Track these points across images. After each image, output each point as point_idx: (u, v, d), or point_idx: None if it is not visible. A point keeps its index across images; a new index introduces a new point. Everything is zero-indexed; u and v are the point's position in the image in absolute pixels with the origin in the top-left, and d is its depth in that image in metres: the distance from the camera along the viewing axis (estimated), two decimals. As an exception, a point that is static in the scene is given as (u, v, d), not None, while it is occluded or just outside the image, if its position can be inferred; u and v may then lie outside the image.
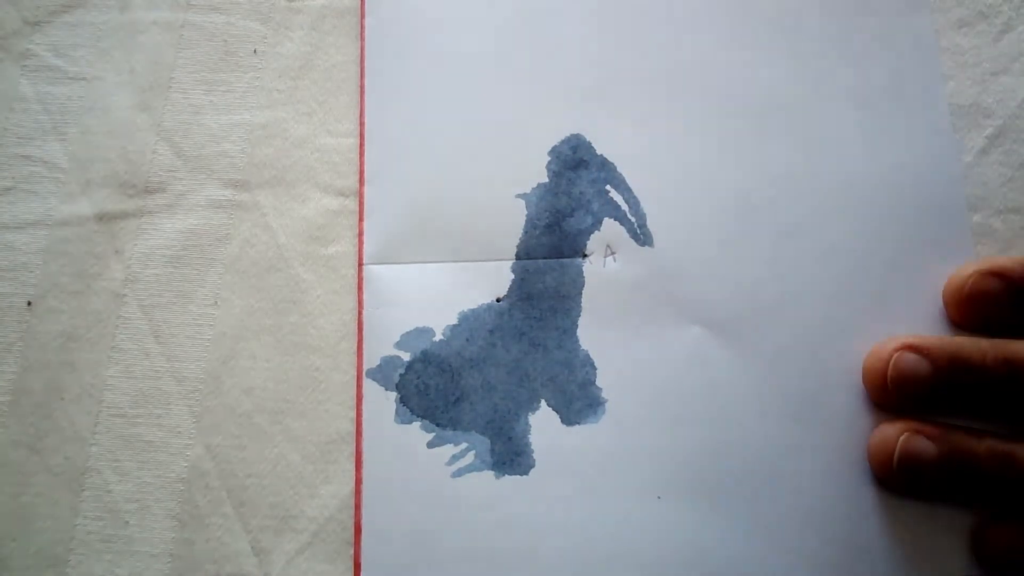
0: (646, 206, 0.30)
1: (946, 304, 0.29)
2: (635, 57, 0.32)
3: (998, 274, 0.28)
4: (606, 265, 0.30)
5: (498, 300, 0.29)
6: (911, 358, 0.27)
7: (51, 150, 0.33)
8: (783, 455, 0.28)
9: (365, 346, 0.29)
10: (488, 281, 0.30)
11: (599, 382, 0.29)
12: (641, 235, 0.30)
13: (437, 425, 0.29)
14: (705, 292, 0.29)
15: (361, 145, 0.31)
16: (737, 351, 0.29)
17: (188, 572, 0.28)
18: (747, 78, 0.31)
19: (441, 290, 0.29)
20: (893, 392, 0.28)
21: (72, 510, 0.29)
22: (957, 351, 0.27)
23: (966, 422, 0.28)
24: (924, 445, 0.27)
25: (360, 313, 0.30)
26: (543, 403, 0.29)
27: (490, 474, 0.28)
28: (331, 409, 0.29)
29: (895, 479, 0.28)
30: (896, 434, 0.27)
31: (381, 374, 0.29)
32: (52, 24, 0.34)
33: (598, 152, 0.30)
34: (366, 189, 0.31)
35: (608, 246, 0.30)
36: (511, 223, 0.30)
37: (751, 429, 0.28)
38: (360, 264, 0.30)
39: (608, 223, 0.30)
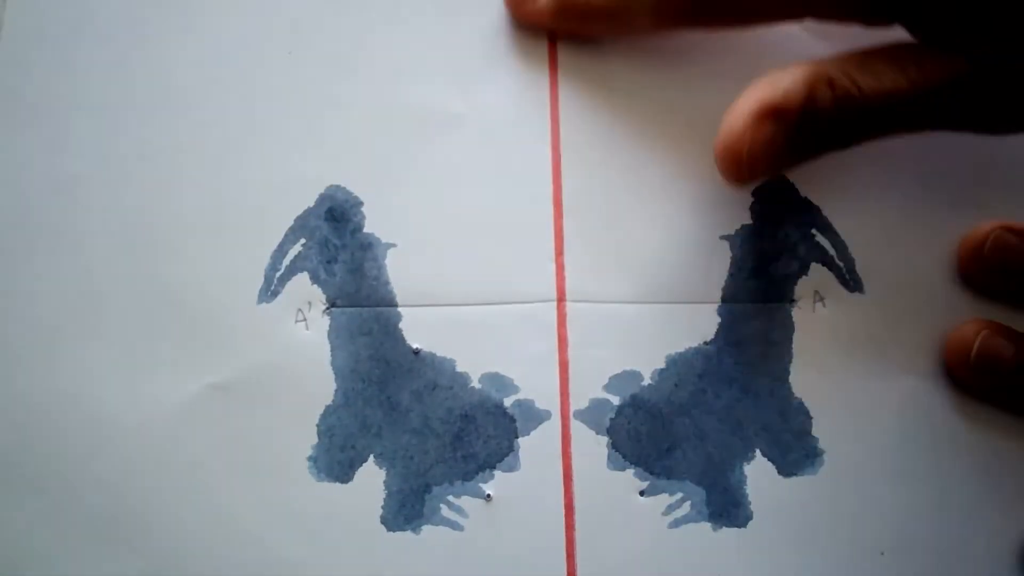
0: (854, 251, 0.29)
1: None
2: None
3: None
4: (816, 311, 0.29)
5: (705, 344, 0.28)
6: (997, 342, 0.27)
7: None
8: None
9: (572, 386, 0.28)
10: (693, 324, 0.28)
11: (815, 431, 0.28)
12: (851, 280, 0.29)
13: (650, 473, 0.27)
14: (920, 340, 0.28)
15: (556, 172, 0.29)
16: (957, 402, 0.28)
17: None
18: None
19: (646, 331, 0.28)
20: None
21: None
22: None
23: None
24: (1003, 344, 0.27)
25: (562, 351, 0.28)
26: (758, 452, 0.28)
27: (707, 525, 0.27)
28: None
29: (971, 376, 0.27)
30: (975, 332, 0.27)
31: (590, 416, 0.28)
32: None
33: (801, 194, 0.29)
34: (564, 222, 0.29)
35: (816, 292, 0.29)
36: (716, 265, 0.29)
37: (976, 481, 0.27)
38: (560, 300, 0.28)
39: (815, 268, 0.29)
